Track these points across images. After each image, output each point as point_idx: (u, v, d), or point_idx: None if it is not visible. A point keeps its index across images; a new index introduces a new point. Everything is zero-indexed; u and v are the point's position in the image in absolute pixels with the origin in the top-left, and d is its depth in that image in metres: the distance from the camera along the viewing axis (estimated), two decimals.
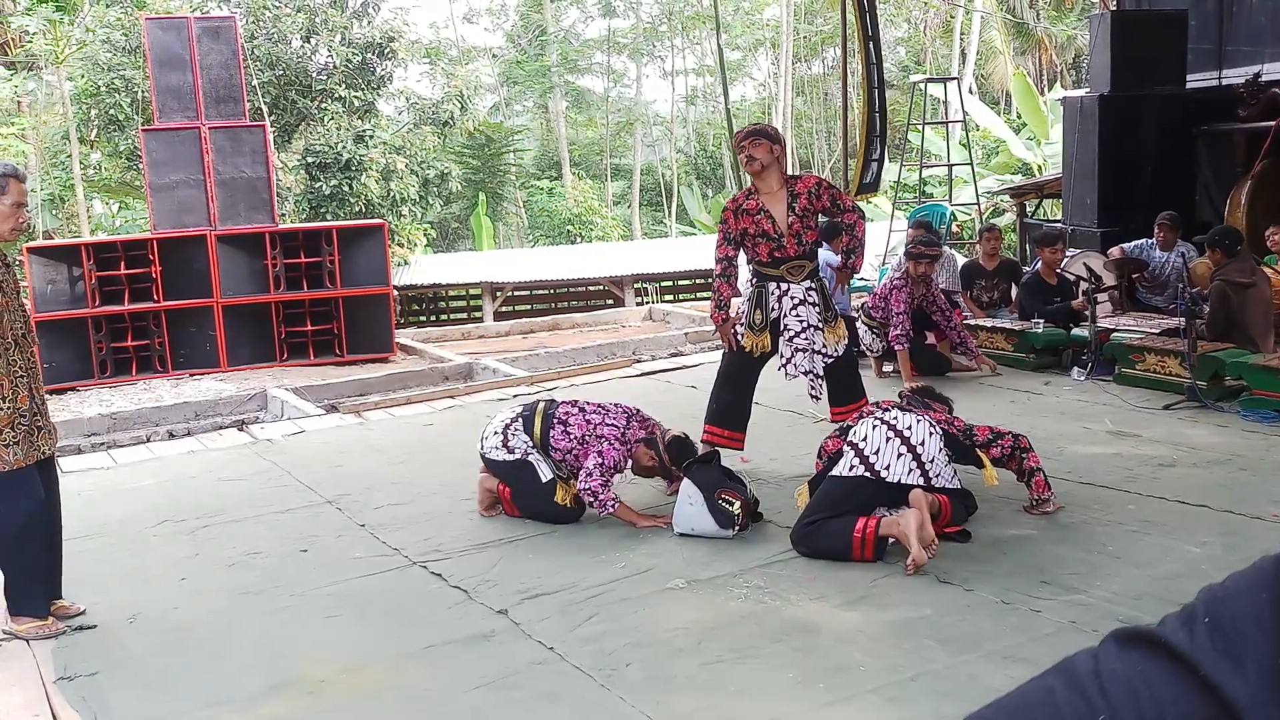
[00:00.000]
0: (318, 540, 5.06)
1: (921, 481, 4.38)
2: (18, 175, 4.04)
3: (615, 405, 5.22)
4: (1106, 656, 0.60)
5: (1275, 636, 0.55)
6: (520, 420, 5.12)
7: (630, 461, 5.07)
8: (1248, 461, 5.57)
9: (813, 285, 5.51)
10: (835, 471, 4.51)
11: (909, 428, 4.46)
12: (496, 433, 5.12)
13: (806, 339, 5.48)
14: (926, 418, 4.60)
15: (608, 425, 5.02)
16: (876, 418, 4.55)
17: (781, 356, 5.55)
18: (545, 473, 5.01)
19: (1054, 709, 0.60)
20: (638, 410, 5.24)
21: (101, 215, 21.61)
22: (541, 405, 5.21)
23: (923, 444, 4.42)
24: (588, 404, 5.23)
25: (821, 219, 5.64)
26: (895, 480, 4.36)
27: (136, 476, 6.40)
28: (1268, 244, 8.12)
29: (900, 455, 4.38)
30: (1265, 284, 7.44)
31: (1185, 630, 0.58)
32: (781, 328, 5.51)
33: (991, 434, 4.80)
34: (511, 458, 5.06)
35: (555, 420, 5.07)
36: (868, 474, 4.38)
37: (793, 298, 5.48)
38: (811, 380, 5.56)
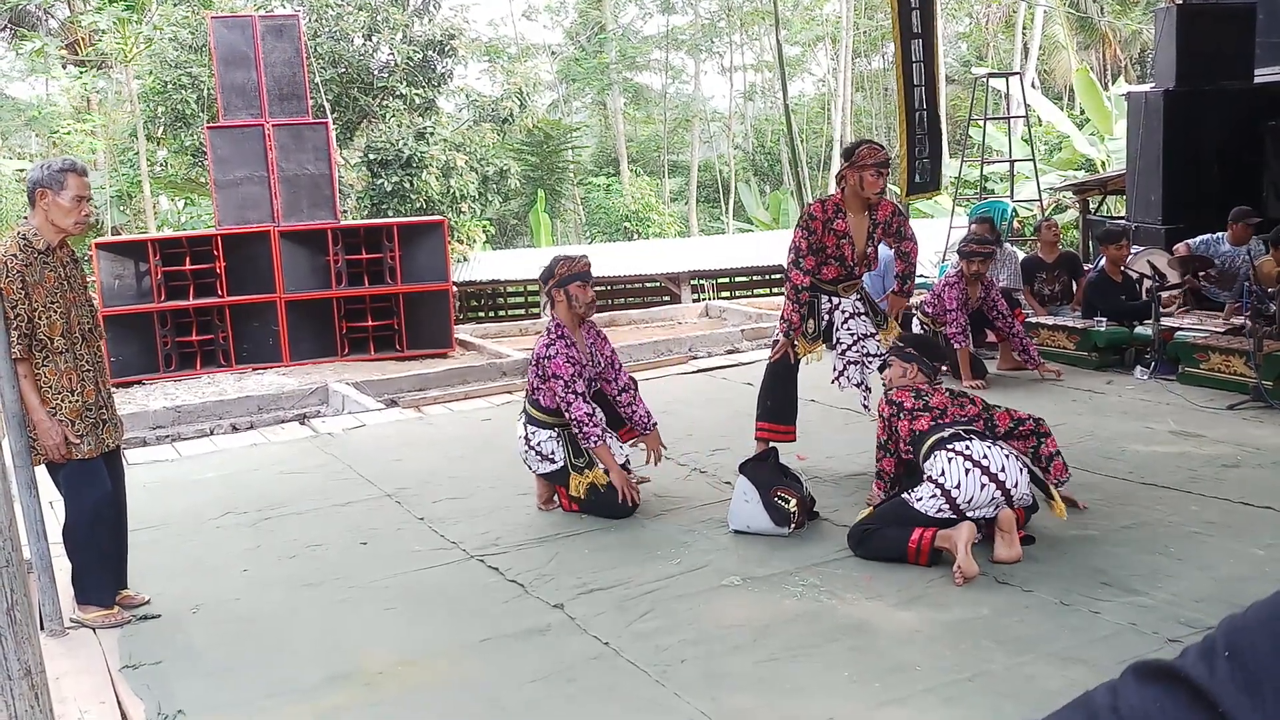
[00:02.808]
0: (377, 533, 5.13)
1: (1001, 498, 4.31)
2: (75, 169, 4.12)
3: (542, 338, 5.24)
4: (1125, 691, 0.59)
5: None
6: (528, 422, 5.21)
7: (569, 335, 5.12)
8: None
9: (859, 296, 5.62)
10: (916, 505, 4.37)
11: (985, 456, 4.35)
12: (525, 450, 5.21)
13: (857, 351, 5.59)
14: (999, 445, 4.49)
15: (544, 359, 5.07)
16: (953, 450, 4.40)
17: (834, 370, 5.67)
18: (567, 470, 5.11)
19: None
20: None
21: (168, 211, 22.04)
22: (526, 396, 5.32)
23: (1003, 469, 4.33)
24: (533, 357, 5.28)
25: None
26: (978, 516, 4.30)
27: (200, 469, 6.53)
28: None
29: (984, 486, 4.29)
30: None
31: (1205, 663, 0.57)
32: (835, 340, 5.61)
33: (1012, 421, 4.73)
34: (555, 467, 5.14)
35: (532, 393, 5.19)
36: (953, 513, 4.31)
37: (843, 311, 5.59)
38: (863, 392, 5.67)
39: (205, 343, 10.40)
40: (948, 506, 4.28)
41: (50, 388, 4.03)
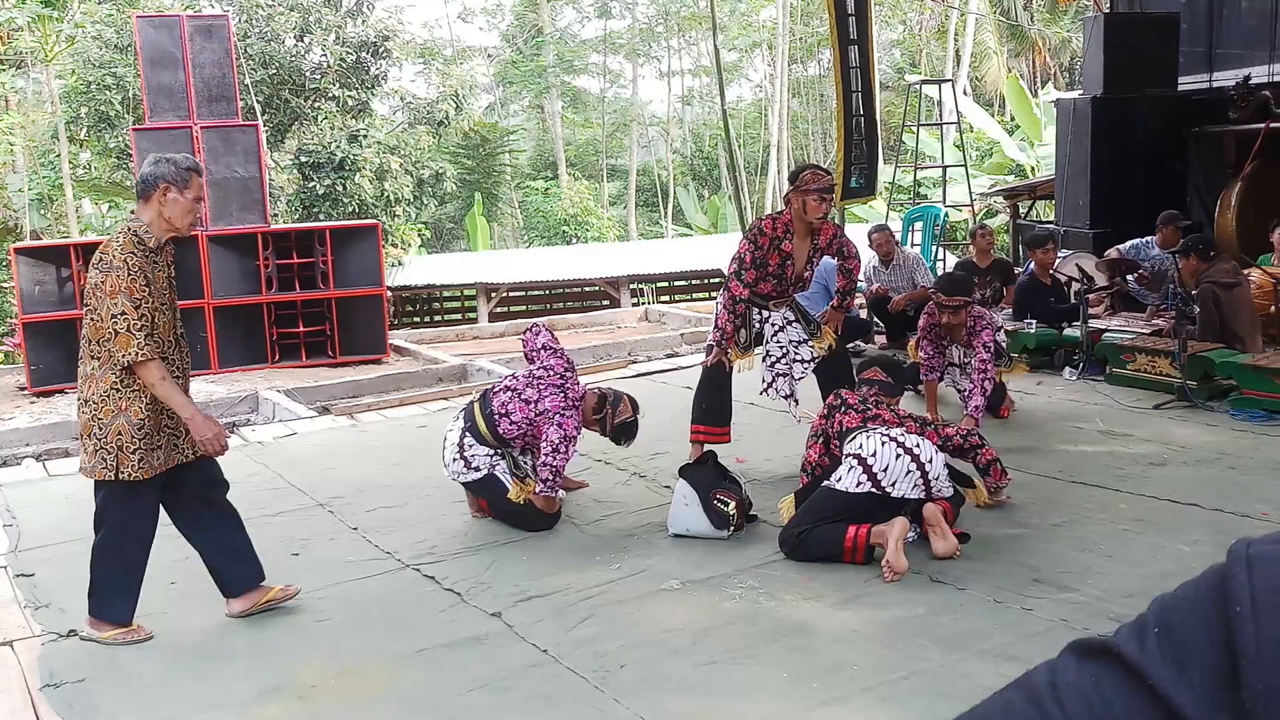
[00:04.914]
0: (309, 543, 5.04)
1: (924, 495, 4.39)
2: (198, 169, 4.00)
3: (543, 368, 5.09)
4: (1063, 669, 0.60)
5: (1220, 644, 0.55)
6: (468, 432, 5.04)
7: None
8: (1237, 460, 5.59)
9: (788, 309, 5.71)
10: (837, 485, 4.45)
11: (917, 445, 4.44)
12: (455, 458, 5.05)
13: (786, 364, 5.72)
14: (929, 442, 4.57)
15: (549, 398, 4.92)
16: (884, 434, 4.49)
17: (763, 381, 5.80)
18: (510, 483, 4.98)
19: None
20: (569, 361, 5.16)
21: (91, 215, 21.51)
22: (476, 407, 5.09)
23: (930, 461, 4.42)
24: (517, 380, 5.11)
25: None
26: (900, 496, 4.36)
27: None
28: (1272, 241, 8.13)
29: (909, 472, 4.36)
30: (1247, 284, 7.47)
31: (1137, 640, 0.58)
32: (765, 354, 5.73)
33: (940, 438, 4.79)
34: (479, 476, 5.02)
35: (496, 416, 4.99)
36: (874, 490, 4.36)
37: (773, 324, 5.69)
38: (791, 404, 5.81)
39: None
40: (866, 479, 4.35)
41: (135, 398, 3.82)
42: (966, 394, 6.05)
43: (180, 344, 4.02)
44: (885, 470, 4.36)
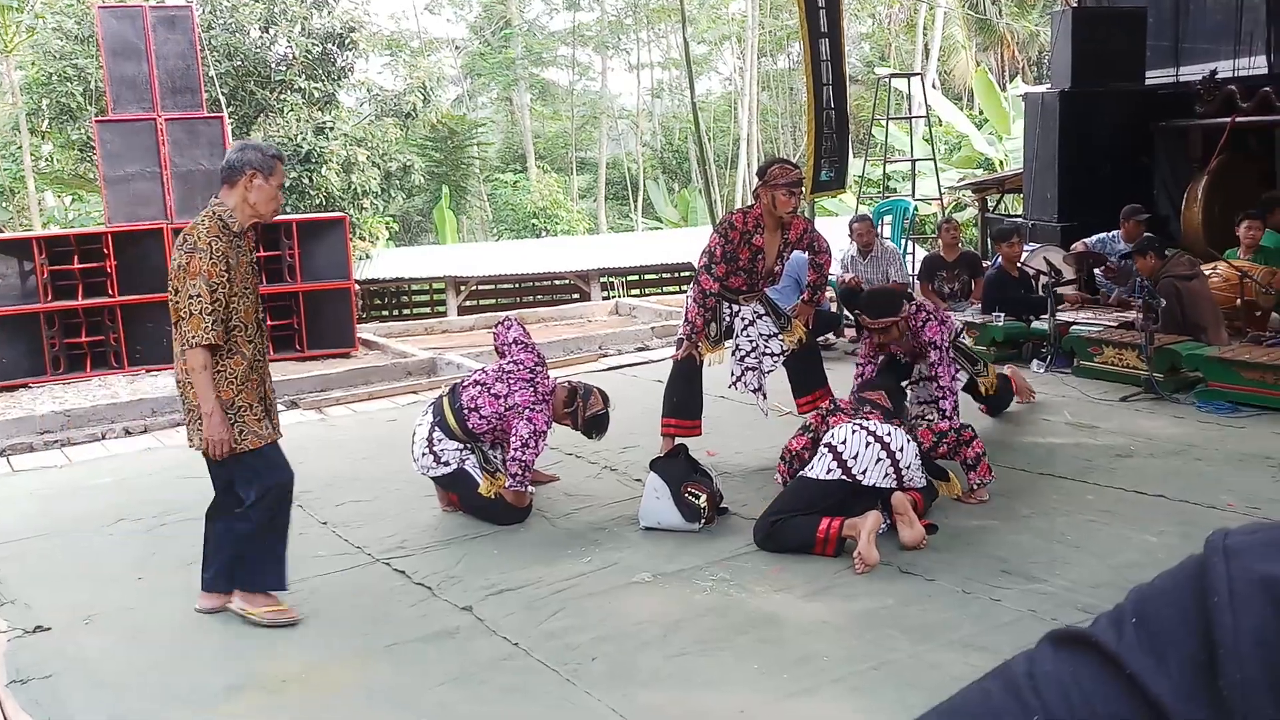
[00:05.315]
0: None
1: (895, 485, 4.41)
2: (282, 158, 4.06)
3: (513, 362, 5.07)
4: (1041, 658, 0.60)
5: (1198, 634, 0.55)
6: (437, 427, 5.02)
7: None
8: (1203, 452, 5.65)
9: (759, 300, 5.70)
10: (811, 474, 4.49)
11: (888, 434, 4.46)
12: (425, 453, 5.02)
13: (756, 358, 5.72)
14: (902, 429, 4.61)
15: (519, 393, 4.91)
16: (856, 423, 4.52)
17: (732, 374, 5.80)
18: (480, 478, 4.96)
19: (991, 711, 0.60)
20: (539, 356, 5.14)
21: (54, 208, 21.24)
22: (445, 402, 5.08)
23: (901, 450, 4.44)
24: (487, 374, 5.09)
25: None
26: (870, 484, 4.39)
27: (92, 475, 6.30)
28: (1238, 235, 8.23)
29: (879, 461, 4.39)
30: (1203, 277, 7.56)
31: (1114, 630, 0.59)
32: (735, 348, 5.72)
33: (935, 436, 4.85)
34: (448, 470, 5.00)
35: (465, 411, 4.97)
36: (845, 478, 4.39)
37: (744, 318, 5.70)
38: (760, 398, 5.81)
39: (95, 344, 10.04)
40: (836, 466, 4.38)
41: (236, 378, 3.89)
42: (939, 399, 5.59)
43: (261, 328, 4.06)
44: (855, 458, 4.39)
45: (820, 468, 4.44)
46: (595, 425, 5.07)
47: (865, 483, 4.39)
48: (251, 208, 3.95)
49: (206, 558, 4.16)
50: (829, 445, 4.46)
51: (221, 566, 4.10)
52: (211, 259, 3.78)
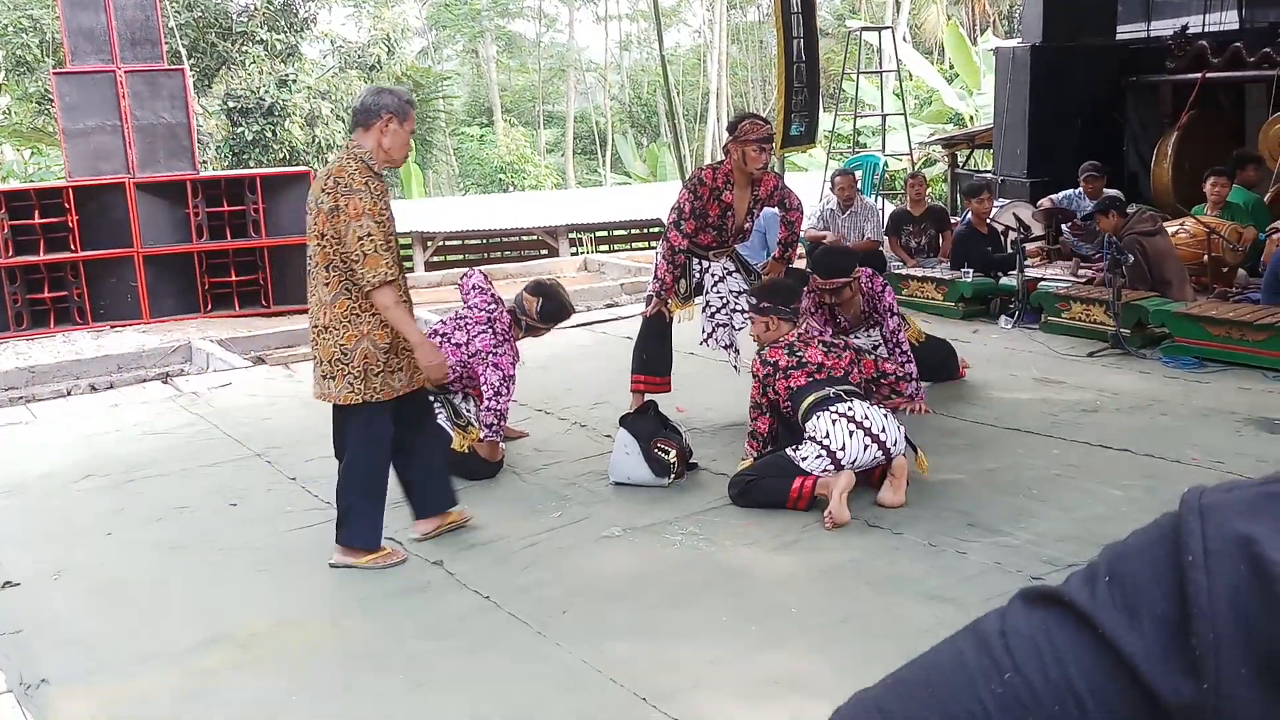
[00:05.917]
0: (247, 494, 4.98)
1: (882, 458, 4.42)
2: (414, 103, 4.05)
3: (468, 308, 5.11)
4: (1013, 616, 0.60)
5: (1172, 593, 0.55)
6: None
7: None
8: (1169, 407, 5.72)
9: (729, 260, 5.69)
10: (801, 464, 4.43)
11: (866, 417, 4.45)
12: None
13: (726, 314, 5.70)
14: (878, 407, 4.60)
15: (479, 338, 4.96)
16: (836, 412, 4.48)
17: (703, 331, 5.78)
18: (451, 432, 4.96)
19: (963, 669, 0.60)
20: (495, 298, 5.16)
21: (13, 162, 20.83)
22: None
23: (884, 430, 4.45)
24: (445, 324, 5.13)
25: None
26: (861, 470, 4.42)
27: (57, 431, 6.24)
28: (1205, 191, 8.28)
29: (866, 447, 4.40)
30: (1166, 233, 7.61)
31: (1088, 588, 0.59)
32: (705, 303, 5.70)
33: (876, 371, 4.87)
34: None
35: None
36: (833, 467, 4.40)
37: (713, 275, 5.68)
38: (731, 354, 5.80)
39: (59, 300, 9.89)
40: (832, 466, 4.39)
41: (376, 322, 3.86)
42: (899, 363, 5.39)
43: (402, 271, 4.01)
44: (843, 449, 4.38)
45: (811, 462, 4.41)
46: (550, 317, 5.14)
47: (857, 470, 4.42)
48: (385, 152, 3.94)
49: (421, 486, 4.23)
50: (819, 443, 4.43)
51: (438, 485, 4.23)
52: (372, 197, 3.78)
